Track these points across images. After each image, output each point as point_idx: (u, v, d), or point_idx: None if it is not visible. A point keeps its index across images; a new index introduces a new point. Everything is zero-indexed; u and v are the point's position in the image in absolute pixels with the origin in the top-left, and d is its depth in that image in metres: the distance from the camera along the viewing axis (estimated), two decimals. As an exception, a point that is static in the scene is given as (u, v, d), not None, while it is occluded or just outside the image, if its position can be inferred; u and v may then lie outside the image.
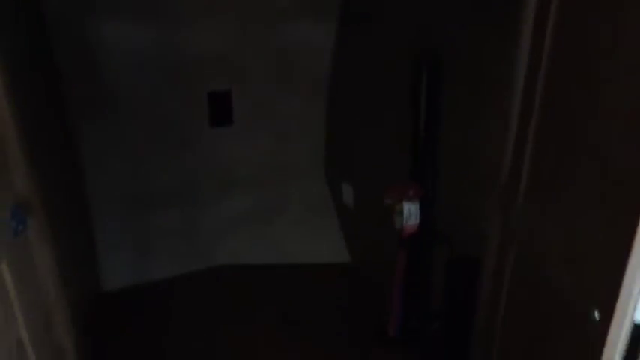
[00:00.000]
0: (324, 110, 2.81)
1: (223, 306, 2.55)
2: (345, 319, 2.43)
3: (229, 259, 2.88)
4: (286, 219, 2.93)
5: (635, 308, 0.83)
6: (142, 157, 2.64)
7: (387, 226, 2.27)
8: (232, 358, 2.19)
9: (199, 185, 2.80)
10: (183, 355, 2.22)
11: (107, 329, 2.33)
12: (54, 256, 1.30)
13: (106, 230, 2.65)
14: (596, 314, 0.89)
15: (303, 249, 2.93)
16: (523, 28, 1.17)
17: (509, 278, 1.32)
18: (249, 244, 2.91)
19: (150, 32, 2.40)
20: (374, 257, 2.67)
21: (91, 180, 2.55)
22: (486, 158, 1.80)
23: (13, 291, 1.12)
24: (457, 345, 1.89)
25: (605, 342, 0.86)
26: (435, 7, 1.93)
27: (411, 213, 1.96)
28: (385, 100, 2.35)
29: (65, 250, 1.58)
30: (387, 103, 2.33)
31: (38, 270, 1.24)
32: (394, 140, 2.31)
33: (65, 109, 2.37)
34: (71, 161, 2.43)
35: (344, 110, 2.70)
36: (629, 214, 0.79)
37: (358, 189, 2.70)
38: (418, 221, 1.98)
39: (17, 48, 1.76)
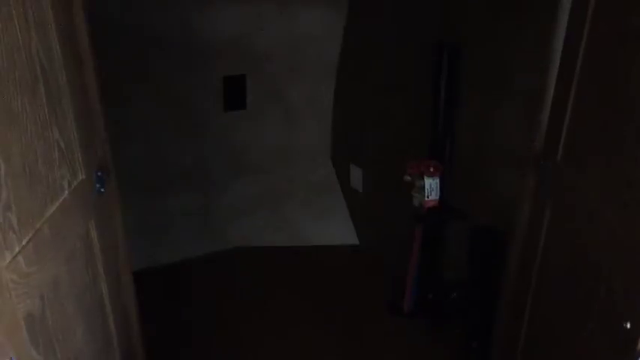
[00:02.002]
0: (333, 94, 2.91)
1: (239, 286, 2.63)
2: (358, 298, 2.53)
3: (242, 242, 2.95)
4: (296, 202, 3.03)
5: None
6: (156, 140, 2.68)
7: (398, 205, 2.40)
8: (252, 333, 2.28)
9: (212, 168, 2.86)
10: (208, 326, 2.29)
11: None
12: (122, 218, 1.36)
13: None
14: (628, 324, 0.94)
15: (313, 231, 3.02)
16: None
17: (542, 247, 1.38)
18: (261, 226, 2.99)
19: (166, 17, 2.45)
20: (384, 237, 2.79)
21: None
22: (506, 133, 1.94)
23: (98, 250, 1.19)
24: (480, 315, 2.02)
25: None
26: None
27: (432, 188, 2.09)
28: (395, 82, 2.47)
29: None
30: (398, 86, 2.45)
31: (113, 231, 1.31)
32: (409, 120, 2.43)
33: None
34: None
35: (353, 94, 2.80)
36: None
37: (367, 171, 2.82)
38: (438, 196, 2.11)
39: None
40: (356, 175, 2.90)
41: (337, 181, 3.07)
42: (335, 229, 3.04)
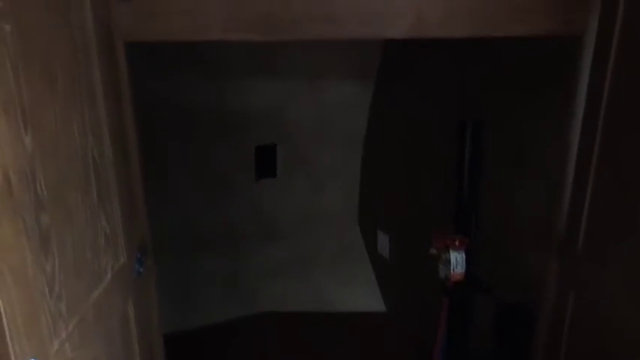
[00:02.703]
0: (360, 162, 3.00)
1: (265, 351, 2.64)
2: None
3: (269, 307, 2.98)
4: (323, 267, 3.07)
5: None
6: (189, 205, 2.80)
7: (424, 275, 2.41)
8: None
9: (242, 233, 2.94)
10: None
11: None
12: (157, 294, 1.43)
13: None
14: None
15: (339, 297, 3.04)
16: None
17: (568, 334, 1.40)
18: (288, 291, 3.02)
19: (203, 90, 2.61)
20: (410, 306, 2.78)
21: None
22: (530, 208, 1.96)
23: (134, 326, 1.25)
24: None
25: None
26: (473, 72, 2.15)
27: (457, 262, 2.10)
28: (421, 154, 2.54)
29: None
30: (423, 158, 2.52)
31: (149, 306, 1.38)
32: (433, 192, 2.48)
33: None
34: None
35: (380, 162, 2.89)
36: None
37: (394, 238, 2.85)
38: (464, 270, 2.12)
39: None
40: (383, 242, 2.94)
41: (364, 247, 3.11)
42: (361, 295, 3.05)
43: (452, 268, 2.10)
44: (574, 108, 1.40)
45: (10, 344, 0.74)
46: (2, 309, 0.72)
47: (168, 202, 2.72)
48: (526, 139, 1.95)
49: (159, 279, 2.75)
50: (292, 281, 3.04)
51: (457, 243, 2.11)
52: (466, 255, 2.12)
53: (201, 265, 2.89)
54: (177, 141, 2.64)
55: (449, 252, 2.11)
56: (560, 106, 1.50)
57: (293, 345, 2.69)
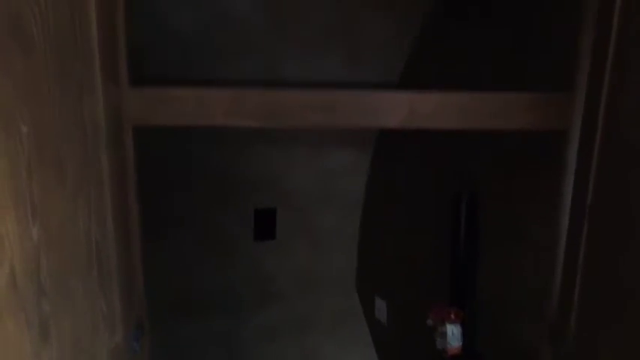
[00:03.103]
0: (359, 227, 3.04)
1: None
2: None
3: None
4: (320, 330, 3.04)
5: None
6: (186, 266, 2.81)
7: (422, 344, 2.39)
8: None
9: (239, 294, 2.94)
10: None
11: None
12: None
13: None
14: None
15: (336, 362, 3.00)
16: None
17: None
18: (285, 354, 2.99)
19: (204, 153, 2.69)
20: (407, 374, 2.74)
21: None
22: (525, 283, 1.98)
23: (126, 406, 1.25)
24: None
25: None
26: (469, 147, 2.22)
27: (453, 335, 2.10)
28: (417, 224, 2.58)
29: None
30: (419, 228, 2.56)
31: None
32: (430, 261, 2.50)
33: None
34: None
35: (378, 228, 2.92)
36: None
37: (392, 305, 2.84)
38: (460, 343, 2.11)
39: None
40: (380, 307, 2.92)
41: (362, 312, 3.09)
42: (359, 359, 3.01)
43: (448, 341, 2.09)
44: (562, 193, 1.44)
45: None
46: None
47: (163, 261, 2.73)
48: (521, 214, 1.99)
49: (153, 340, 2.75)
50: (289, 344, 3.01)
51: (453, 316, 2.11)
52: (463, 328, 2.12)
53: (197, 326, 2.88)
54: (177, 202, 2.69)
55: (445, 325, 2.11)
56: (552, 186, 1.55)
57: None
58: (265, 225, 2.91)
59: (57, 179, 0.97)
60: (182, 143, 2.60)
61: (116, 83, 1.23)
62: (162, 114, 1.28)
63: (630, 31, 1.21)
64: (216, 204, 2.77)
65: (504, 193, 2.07)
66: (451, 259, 2.22)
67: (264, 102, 1.29)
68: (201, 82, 1.94)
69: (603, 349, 1.23)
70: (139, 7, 1.94)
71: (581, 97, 1.33)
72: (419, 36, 2.37)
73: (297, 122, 1.29)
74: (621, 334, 1.16)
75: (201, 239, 2.81)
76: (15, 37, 0.82)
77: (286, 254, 2.96)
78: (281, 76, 2.26)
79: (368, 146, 2.85)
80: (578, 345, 1.34)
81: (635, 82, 1.19)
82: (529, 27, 1.85)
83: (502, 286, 2.11)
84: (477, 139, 2.19)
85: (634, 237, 1.13)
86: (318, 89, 1.28)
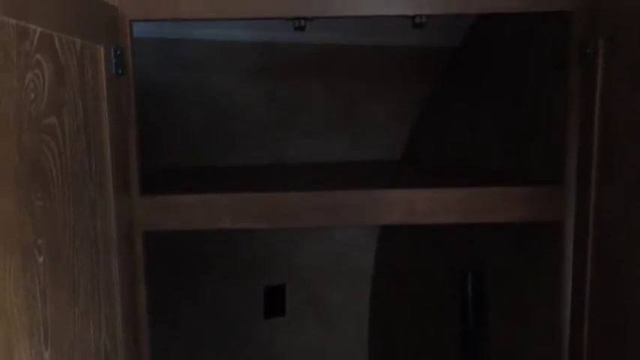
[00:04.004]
0: (369, 302, 3.03)
1: None
2: None
3: None
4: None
5: None
6: (195, 343, 2.80)
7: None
8: None
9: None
10: None
11: None
12: None
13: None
14: None
15: None
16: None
17: None
18: None
19: (214, 231, 2.74)
20: None
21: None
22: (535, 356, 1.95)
23: None
24: None
25: None
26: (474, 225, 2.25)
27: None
28: (425, 300, 2.58)
29: None
30: (428, 304, 2.56)
31: None
32: (439, 335, 2.48)
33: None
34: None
35: (388, 302, 2.91)
36: None
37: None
38: None
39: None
40: (393, 384, 2.87)
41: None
42: None
43: None
44: (563, 278, 1.46)
45: None
46: None
47: (172, 338, 2.73)
48: (528, 292, 1.99)
49: None
50: None
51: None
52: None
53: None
54: (187, 281, 2.72)
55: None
56: (554, 265, 1.57)
57: None
58: (275, 302, 2.92)
59: (70, 299, 1.02)
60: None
61: (128, 194, 1.30)
62: (171, 220, 1.35)
63: (611, 126, 1.26)
64: (225, 281, 2.80)
65: (509, 270, 2.08)
66: (461, 334, 2.20)
67: (268, 204, 1.35)
68: (211, 178, 2.02)
69: None
70: (152, 105, 2.07)
71: (572, 190, 1.37)
72: (419, 115, 2.47)
73: (300, 223, 1.35)
74: None
75: (212, 320, 2.82)
76: (35, 177, 0.90)
77: (296, 331, 2.95)
78: (286, 161, 2.35)
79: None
80: None
81: (620, 173, 1.24)
82: (522, 111, 1.93)
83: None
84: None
85: (627, 330, 1.14)
86: (319, 191, 1.34)
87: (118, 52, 1.24)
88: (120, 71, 1.25)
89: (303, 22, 1.31)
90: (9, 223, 0.82)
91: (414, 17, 1.31)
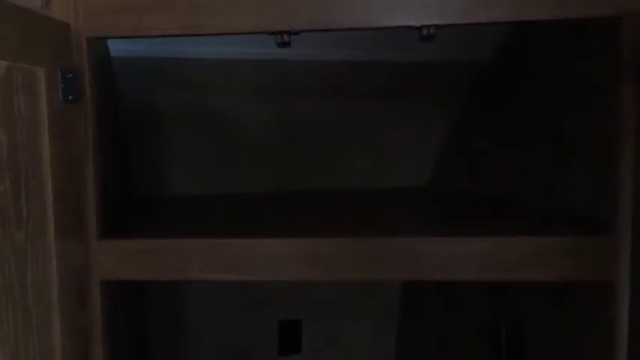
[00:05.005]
0: (394, 339, 2.76)
1: None
2: None
3: None
4: None
5: None
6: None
7: None
8: None
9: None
10: None
11: None
12: None
13: None
14: None
15: None
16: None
17: None
18: None
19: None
20: None
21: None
22: None
23: None
24: None
25: None
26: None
27: None
28: (454, 353, 2.31)
29: None
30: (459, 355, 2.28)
31: None
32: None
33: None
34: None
35: (415, 340, 2.64)
36: None
37: None
38: None
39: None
40: None
41: None
42: None
43: None
44: (616, 344, 1.17)
45: None
46: None
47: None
48: (567, 349, 1.69)
49: None
50: None
51: None
52: None
53: None
54: (194, 314, 2.55)
55: None
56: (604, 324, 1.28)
57: None
58: (290, 338, 2.69)
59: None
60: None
61: (80, 239, 1.12)
62: (132, 268, 1.16)
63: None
64: (238, 315, 2.61)
65: (549, 325, 1.78)
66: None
67: (243, 252, 1.14)
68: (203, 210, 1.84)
69: None
70: (156, 135, 1.93)
71: (626, 241, 1.09)
72: (444, 140, 2.21)
73: (278, 276, 1.13)
74: None
75: (222, 354, 2.62)
76: None
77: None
78: (293, 189, 2.15)
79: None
80: None
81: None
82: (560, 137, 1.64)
83: None
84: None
85: None
86: (301, 238, 1.12)
87: (69, 76, 1.06)
88: (71, 97, 1.08)
89: (287, 38, 1.10)
90: None
91: (420, 29, 1.08)
